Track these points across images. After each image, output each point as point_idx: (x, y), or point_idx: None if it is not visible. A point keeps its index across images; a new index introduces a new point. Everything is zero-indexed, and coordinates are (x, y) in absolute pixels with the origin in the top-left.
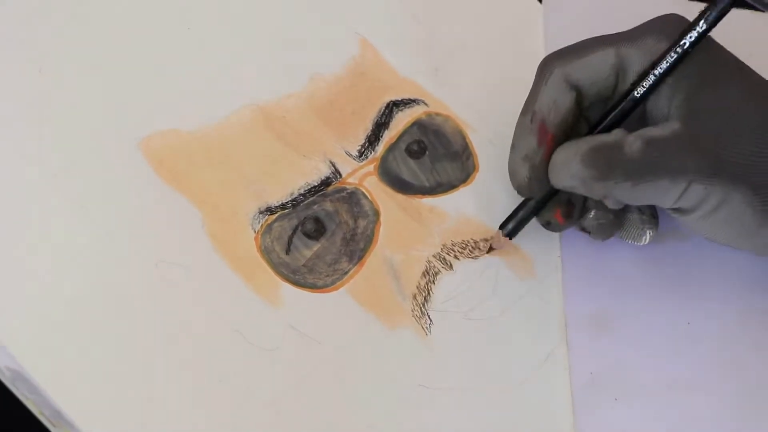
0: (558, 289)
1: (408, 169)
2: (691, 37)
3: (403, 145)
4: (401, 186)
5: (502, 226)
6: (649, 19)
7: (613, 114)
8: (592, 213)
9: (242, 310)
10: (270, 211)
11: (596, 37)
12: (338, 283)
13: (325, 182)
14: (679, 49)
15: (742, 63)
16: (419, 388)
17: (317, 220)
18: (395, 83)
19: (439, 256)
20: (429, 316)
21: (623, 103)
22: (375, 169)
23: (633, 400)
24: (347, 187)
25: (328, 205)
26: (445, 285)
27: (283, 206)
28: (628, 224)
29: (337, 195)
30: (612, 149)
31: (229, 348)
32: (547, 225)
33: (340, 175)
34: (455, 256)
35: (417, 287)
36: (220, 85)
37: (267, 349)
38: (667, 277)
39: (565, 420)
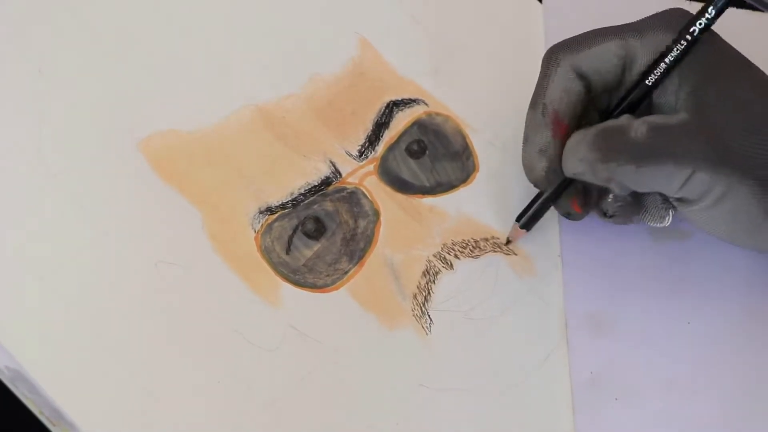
0: (558, 288)
1: (408, 169)
2: (699, 25)
3: (403, 145)
4: (401, 186)
5: (518, 219)
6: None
7: (626, 101)
8: (611, 196)
9: (242, 310)
10: (270, 211)
11: (601, 28)
12: (338, 282)
13: (326, 182)
14: (687, 38)
15: (746, 58)
16: (419, 388)
17: (317, 220)
18: (395, 83)
19: (440, 256)
20: (429, 316)
21: (632, 93)
22: (375, 169)
23: (633, 399)
24: (347, 186)
25: (329, 205)
26: (446, 285)
27: (283, 206)
28: (650, 206)
29: (337, 195)
30: (617, 132)
31: (229, 348)
32: (567, 215)
33: (340, 175)
34: (455, 256)
35: (417, 287)
36: (220, 86)
37: (267, 349)
38: (667, 277)
39: (565, 419)
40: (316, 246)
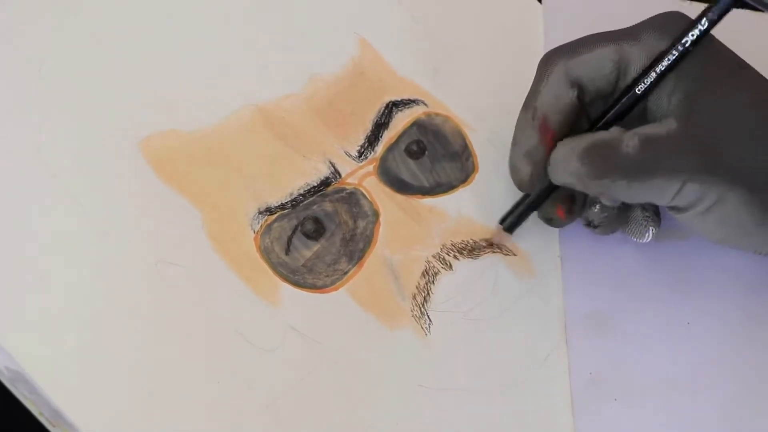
0: (557, 289)
1: (407, 170)
2: (693, 35)
3: (402, 146)
4: (401, 186)
5: (501, 221)
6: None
7: (613, 111)
8: (597, 207)
9: (242, 310)
10: (269, 211)
11: (597, 34)
12: (338, 283)
13: (325, 182)
14: (680, 47)
15: (744, 62)
16: (419, 388)
17: (317, 221)
18: (394, 83)
19: (439, 257)
20: (428, 316)
21: (623, 100)
22: (374, 170)
23: (632, 400)
24: (347, 187)
25: (328, 206)
26: (445, 285)
27: (282, 206)
28: (632, 221)
29: (336, 195)
30: (608, 147)
31: (229, 348)
32: (549, 221)
33: (340, 176)
34: (455, 256)
35: (416, 287)
36: (220, 86)
37: (266, 349)
38: (667, 277)
39: (565, 420)
40: (316, 246)
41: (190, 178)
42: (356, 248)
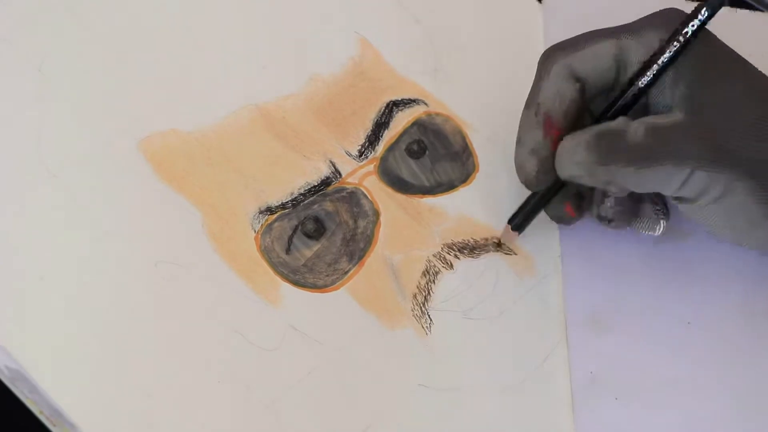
0: (558, 288)
1: (408, 169)
2: (693, 26)
3: (403, 145)
4: (401, 186)
5: (510, 221)
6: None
7: (617, 105)
8: (610, 200)
9: (242, 309)
10: (270, 211)
11: (597, 30)
12: (338, 283)
13: (325, 182)
14: (681, 38)
15: (741, 57)
16: (419, 388)
17: (317, 220)
18: (395, 83)
19: (440, 256)
20: (429, 316)
21: (627, 93)
22: (375, 169)
23: (633, 399)
24: (347, 187)
25: (328, 205)
26: (446, 284)
27: (283, 206)
28: (642, 214)
29: (337, 195)
30: (615, 135)
31: (229, 348)
32: (559, 219)
33: (340, 175)
34: (455, 256)
35: (417, 287)
36: (220, 86)
37: (267, 349)
38: (667, 277)
39: (565, 419)
40: (316, 246)
41: (191, 177)
42: (357, 248)
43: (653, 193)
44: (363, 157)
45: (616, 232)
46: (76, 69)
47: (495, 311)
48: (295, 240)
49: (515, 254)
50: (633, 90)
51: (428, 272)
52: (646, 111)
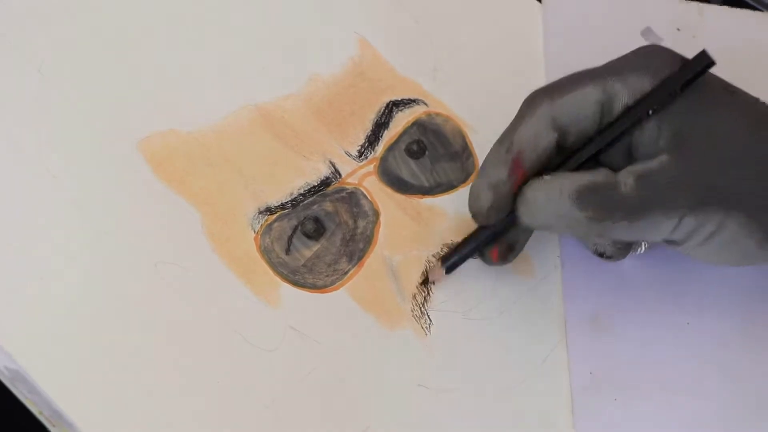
0: (557, 289)
1: (408, 170)
2: (683, 80)
3: (402, 145)
4: (401, 186)
5: (444, 260)
6: (645, 21)
7: (589, 147)
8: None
9: (242, 310)
10: (269, 211)
11: (581, 72)
12: (338, 283)
13: (325, 182)
14: (669, 93)
15: (731, 85)
16: (419, 389)
17: (317, 221)
18: (394, 83)
19: (439, 256)
20: (428, 316)
21: (603, 135)
22: (375, 169)
23: (632, 400)
24: (347, 187)
25: (328, 206)
26: (445, 285)
27: (282, 206)
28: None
29: (336, 195)
30: (607, 188)
31: (229, 348)
32: (483, 257)
33: (340, 176)
34: None
35: (417, 287)
36: (219, 86)
37: (266, 349)
38: (666, 278)
39: (565, 420)
40: (316, 246)
41: (190, 178)
42: (356, 248)
43: None
44: (363, 157)
45: None
46: (76, 70)
47: (494, 312)
48: (294, 240)
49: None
50: (612, 132)
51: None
52: (629, 153)
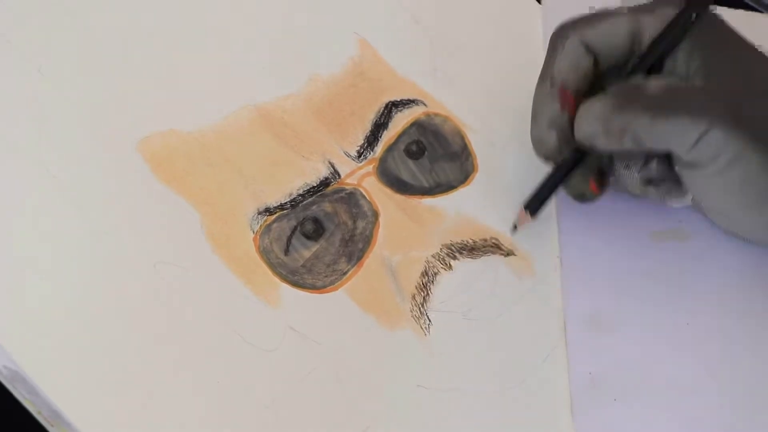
0: (557, 289)
1: (407, 170)
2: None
3: (402, 146)
4: (400, 186)
5: (527, 205)
6: None
7: (638, 66)
8: (654, 162)
9: (241, 310)
10: (269, 211)
11: (611, 9)
12: (337, 283)
13: (324, 183)
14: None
15: (748, 40)
16: (418, 389)
17: (316, 221)
18: (394, 83)
19: (438, 257)
20: (428, 317)
21: (641, 63)
22: (374, 170)
23: (632, 400)
24: (346, 187)
25: (327, 206)
26: (444, 285)
27: (281, 207)
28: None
29: (335, 196)
30: (634, 87)
31: (228, 349)
32: (581, 197)
33: (339, 176)
34: (454, 257)
35: (416, 287)
36: (219, 86)
37: (266, 349)
38: (666, 278)
39: (564, 420)
40: (315, 247)
41: (189, 178)
42: (355, 248)
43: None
44: (362, 157)
45: (616, 231)
46: (76, 69)
47: (494, 312)
48: (293, 241)
49: (514, 255)
50: (648, 59)
51: (427, 273)
52: None
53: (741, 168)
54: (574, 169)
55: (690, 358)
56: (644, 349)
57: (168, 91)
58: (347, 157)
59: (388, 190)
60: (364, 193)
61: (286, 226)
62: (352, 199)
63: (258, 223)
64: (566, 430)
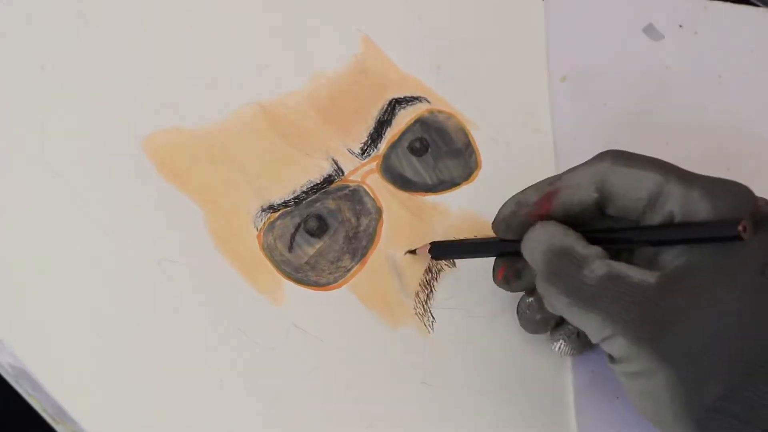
0: None
1: (410, 167)
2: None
3: (405, 143)
4: (404, 183)
5: (434, 248)
6: (647, 17)
7: (616, 234)
8: (529, 299)
9: (245, 308)
10: (272, 209)
11: (661, 160)
12: (341, 281)
13: (328, 180)
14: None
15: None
16: (422, 386)
17: (320, 218)
18: (397, 80)
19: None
20: (431, 314)
21: (627, 233)
22: (377, 167)
23: None
24: (350, 184)
25: (331, 203)
26: (448, 282)
27: (285, 204)
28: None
29: (339, 193)
30: (574, 260)
31: (232, 346)
32: (494, 279)
33: (343, 173)
34: None
35: (420, 285)
36: (222, 84)
37: (270, 347)
38: None
39: (567, 418)
40: (319, 244)
41: (193, 175)
42: (359, 246)
43: None
44: (365, 154)
45: None
46: (79, 67)
47: (497, 309)
48: (297, 238)
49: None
50: (636, 235)
51: (430, 270)
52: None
53: (644, 381)
54: (505, 256)
55: None
56: None
57: (172, 89)
58: (351, 155)
59: (391, 187)
60: (367, 190)
61: (290, 223)
62: (355, 196)
63: (262, 220)
64: (569, 428)
